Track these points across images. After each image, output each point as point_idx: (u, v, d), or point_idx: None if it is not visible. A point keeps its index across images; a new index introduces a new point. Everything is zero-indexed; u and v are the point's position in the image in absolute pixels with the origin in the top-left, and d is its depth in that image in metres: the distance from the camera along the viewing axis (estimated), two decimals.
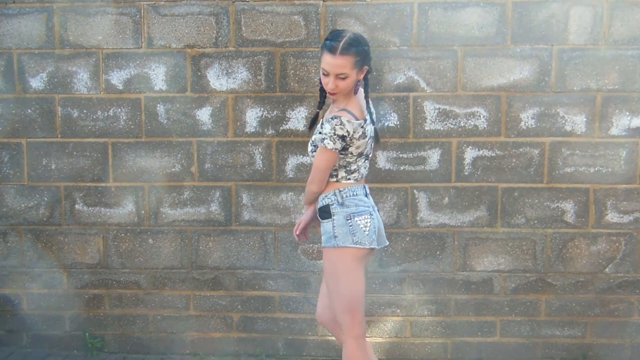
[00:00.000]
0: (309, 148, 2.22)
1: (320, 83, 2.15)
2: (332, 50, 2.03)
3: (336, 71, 2.03)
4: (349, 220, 2.12)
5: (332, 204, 2.16)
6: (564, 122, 2.89)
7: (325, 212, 2.17)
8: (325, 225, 2.17)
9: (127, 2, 2.93)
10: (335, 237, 2.12)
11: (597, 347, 3.00)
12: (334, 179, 2.18)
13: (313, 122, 2.26)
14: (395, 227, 2.97)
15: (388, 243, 2.33)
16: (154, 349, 3.12)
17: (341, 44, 2.02)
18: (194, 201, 3.01)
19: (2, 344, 3.14)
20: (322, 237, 2.18)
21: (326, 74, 2.06)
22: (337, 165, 2.16)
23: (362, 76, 2.13)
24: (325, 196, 2.18)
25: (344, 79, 2.05)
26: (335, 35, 2.07)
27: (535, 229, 2.95)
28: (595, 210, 2.93)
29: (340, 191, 2.16)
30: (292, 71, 2.92)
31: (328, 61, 2.04)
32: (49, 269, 3.09)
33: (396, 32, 2.88)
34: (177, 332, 3.11)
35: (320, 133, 2.12)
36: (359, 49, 2.05)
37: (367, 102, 2.22)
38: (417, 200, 2.95)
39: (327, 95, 2.14)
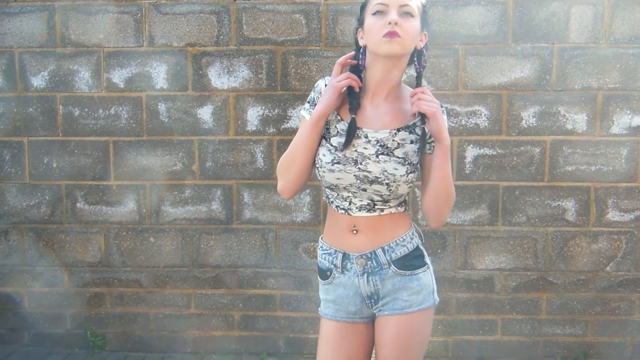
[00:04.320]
0: (403, 170, 1.56)
1: (356, 67, 1.60)
2: None
3: (401, 1, 1.51)
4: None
5: (420, 244, 1.68)
6: (565, 120, 2.89)
7: (418, 258, 1.65)
8: (424, 277, 1.63)
9: (129, 0, 2.93)
10: (434, 291, 1.65)
11: (598, 345, 3.00)
12: (405, 210, 1.68)
13: (350, 135, 1.56)
14: None
15: None
16: (155, 347, 3.12)
17: None
18: (195, 200, 3.02)
19: (3, 342, 3.14)
20: (415, 297, 1.61)
21: (381, 12, 1.51)
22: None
23: (422, 45, 1.58)
24: (410, 235, 1.65)
25: (412, 17, 1.51)
26: None
27: (536, 227, 2.95)
28: (596, 208, 2.93)
29: (417, 226, 1.73)
30: (294, 70, 2.93)
31: None
32: (51, 267, 3.09)
33: None
34: (178, 330, 3.11)
35: (413, 142, 1.59)
36: None
37: None
38: (418, 199, 2.96)
39: (381, 53, 1.51)
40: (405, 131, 1.60)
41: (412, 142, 1.59)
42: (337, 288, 1.66)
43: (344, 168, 1.57)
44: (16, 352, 3.10)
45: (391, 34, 1.48)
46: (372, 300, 1.63)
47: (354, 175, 1.56)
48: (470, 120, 2.91)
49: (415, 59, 1.59)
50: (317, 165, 1.62)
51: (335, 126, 1.62)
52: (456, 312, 3.02)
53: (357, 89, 1.58)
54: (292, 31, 2.91)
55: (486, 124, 2.92)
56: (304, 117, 1.62)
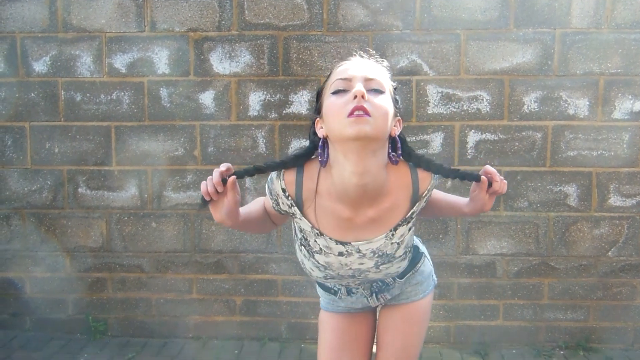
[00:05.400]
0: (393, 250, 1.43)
1: (312, 139, 1.37)
2: (357, 57, 1.39)
3: (367, 74, 1.28)
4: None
5: (415, 239, 1.71)
6: (566, 105, 2.89)
7: (416, 255, 1.65)
8: (424, 267, 1.66)
9: None
10: (432, 272, 1.72)
11: (599, 330, 3.00)
12: None
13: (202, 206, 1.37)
14: None
15: None
16: (157, 332, 3.13)
17: (371, 53, 1.41)
18: (197, 185, 3.01)
19: (5, 327, 3.14)
20: (419, 287, 1.65)
21: (343, 90, 1.27)
22: None
23: (397, 132, 1.39)
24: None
25: (382, 93, 1.29)
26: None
27: (538, 212, 2.95)
28: (598, 193, 2.93)
29: None
30: (295, 55, 2.92)
31: (352, 64, 1.33)
32: (52, 252, 3.09)
33: (399, 16, 2.88)
34: (180, 315, 3.11)
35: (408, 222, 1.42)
36: (390, 75, 1.40)
37: None
38: None
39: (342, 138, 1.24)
40: (403, 225, 1.39)
41: (410, 229, 1.43)
42: (344, 301, 1.64)
43: (341, 280, 1.48)
44: (18, 337, 3.10)
45: (358, 112, 1.19)
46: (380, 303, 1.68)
47: (353, 280, 1.51)
48: (472, 105, 2.91)
49: (390, 147, 1.33)
50: (305, 272, 1.54)
51: (316, 241, 1.39)
52: (458, 297, 3.02)
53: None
54: (293, 16, 2.91)
55: (488, 109, 2.91)
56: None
